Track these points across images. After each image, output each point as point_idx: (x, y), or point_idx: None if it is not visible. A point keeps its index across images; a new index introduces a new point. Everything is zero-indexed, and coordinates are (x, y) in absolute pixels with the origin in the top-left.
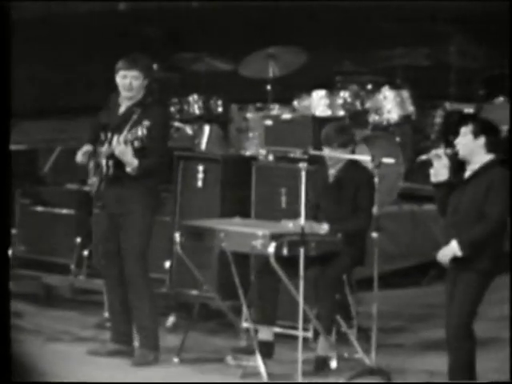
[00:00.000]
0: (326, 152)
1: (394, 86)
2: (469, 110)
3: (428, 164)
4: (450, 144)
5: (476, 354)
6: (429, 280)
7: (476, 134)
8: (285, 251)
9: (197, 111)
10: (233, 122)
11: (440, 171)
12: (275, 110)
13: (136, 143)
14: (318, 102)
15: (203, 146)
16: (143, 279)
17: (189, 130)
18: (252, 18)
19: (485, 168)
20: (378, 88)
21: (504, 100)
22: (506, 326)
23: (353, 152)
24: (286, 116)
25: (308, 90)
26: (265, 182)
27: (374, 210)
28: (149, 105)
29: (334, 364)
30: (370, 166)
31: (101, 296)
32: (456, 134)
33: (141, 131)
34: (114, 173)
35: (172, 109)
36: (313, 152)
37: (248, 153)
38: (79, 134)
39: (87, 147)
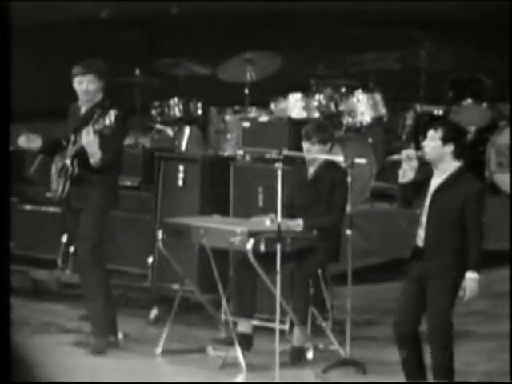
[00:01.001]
0: (305, 147)
1: (367, 90)
2: (438, 111)
3: (398, 164)
4: (419, 145)
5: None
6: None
7: (445, 141)
8: (262, 247)
9: (177, 114)
10: (212, 124)
11: (407, 172)
12: (252, 112)
13: (106, 130)
14: (294, 105)
15: (183, 146)
16: (93, 271)
17: (169, 132)
18: (229, 24)
19: (455, 177)
20: (351, 91)
21: (472, 102)
22: (476, 321)
23: (330, 150)
24: (263, 118)
25: (284, 93)
26: (242, 181)
27: (348, 208)
28: (108, 106)
29: (310, 355)
30: (343, 165)
31: None
32: (426, 134)
33: (108, 120)
34: (78, 172)
35: (153, 112)
36: (287, 153)
37: (226, 153)
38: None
39: (35, 136)
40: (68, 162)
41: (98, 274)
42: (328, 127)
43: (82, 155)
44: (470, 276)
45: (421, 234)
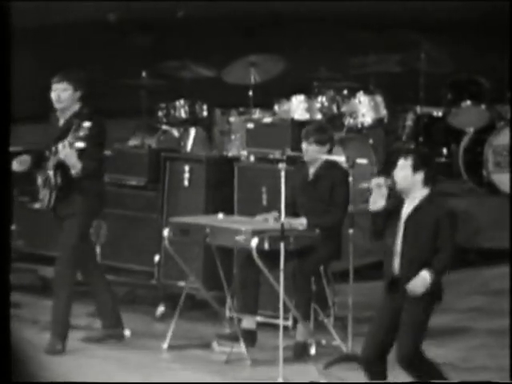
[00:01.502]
0: (304, 148)
1: (368, 92)
2: (438, 113)
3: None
4: (419, 145)
5: (445, 344)
6: None
7: (416, 169)
8: (266, 246)
9: (183, 115)
10: (216, 125)
11: (378, 200)
12: (256, 113)
13: (79, 143)
14: (297, 107)
15: (189, 147)
16: (66, 278)
17: (175, 133)
18: (234, 28)
19: (425, 204)
20: (353, 93)
21: (470, 104)
22: (474, 318)
23: (330, 151)
24: (267, 119)
25: (287, 95)
26: (246, 181)
27: (350, 207)
28: (86, 115)
29: (312, 350)
30: (344, 166)
31: None
32: (425, 135)
33: (83, 133)
34: (61, 181)
35: (159, 113)
36: (290, 153)
37: (231, 154)
38: None
39: (25, 157)
40: (51, 173)
41: (67, 283)
42: (327, 129)
43: (63, 166)
44: (424, 273)
45: (395, 263)
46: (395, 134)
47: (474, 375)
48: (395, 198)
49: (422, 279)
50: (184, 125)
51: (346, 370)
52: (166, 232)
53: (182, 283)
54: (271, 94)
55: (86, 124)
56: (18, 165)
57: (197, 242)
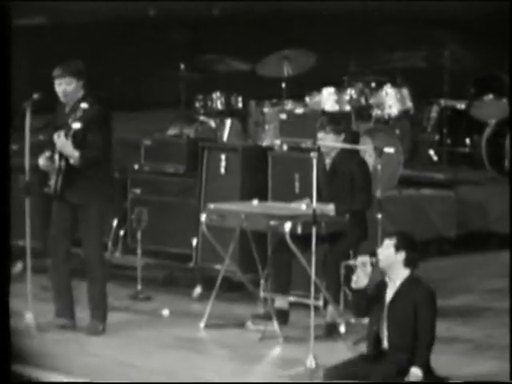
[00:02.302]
0: (320, 136)
1: (395, 85)
2: (461, 105)
3: (422, 154)
4: (443, 137)
5: (470, 323)
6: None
7: (398, 248)
8: (299, 230)
9: (219, 107)
10: (251, 116)
11: (361, 278)
12: (289, 105)
13: (75, 124)
14: (328, 98)
15: (225, 137)
16: (99, 262)
17: (212, 124)
18: (268, 24)
19: (406, 286)
20: (380, 86)
21: (492, 97)
22: (496, 298)
23: (347, 141)
24: (299, 111)
25: (318, 87)
26: (280, 169)
27: (378, 193)
28: (89, 102)
29: (342, 329)
30: (372, 155)
31: (134, 271)
32: (449, 127)
33: (79, 113)
34: (66, 166)
35: (197, 104)
36: (321, 143)
37: (265, 143)
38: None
39: (47, 153)
40: (56, 157)
41: (102, 269)
42: (342, 120)
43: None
44: (415, 371)
45: (384, 343)
46: (420, 126)
47: (497, 352)
48: (378, 284)
49: (414, 377)
50: (220, 116)
51: None
52: (203, 217)
53: (218, 266)
54: (303, 86)
55: (83, 105)
56: (43, 161)
57: (233, 227)
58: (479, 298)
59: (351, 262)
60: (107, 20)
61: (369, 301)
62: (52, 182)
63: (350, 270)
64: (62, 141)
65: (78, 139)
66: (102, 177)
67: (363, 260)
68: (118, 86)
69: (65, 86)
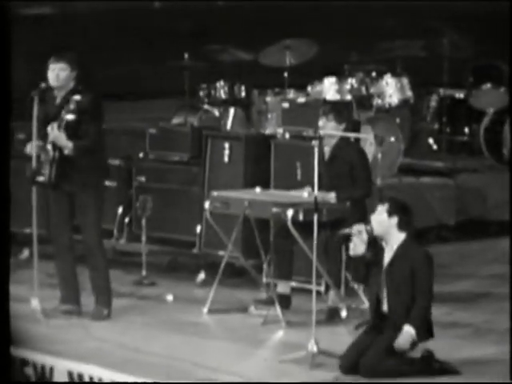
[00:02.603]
0: (321, 124)
1: (395, 74)
2: (460, 95)
3: (422, 143)
4: (442, 126)
5: (469, 308)
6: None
7: (390, 213)
8: (300, 217)
9: (223, 96)
10: (254, 105)
11: (358, 246)
12: (291, 94)
13: (69, 116)
14: (329, 88)
15: (228, 126)
16: (99, 248)
17: (216, 112)
18: (271, 15)
19: (402, 250)
20: (380, 75)
21: (490, 87)
22: (495, 284)
23: (347, 130)
24: (301, 100)
25: (320, 77)
26: (282, 157)
27: (378, 181)
28: (81, 92)
29: (343, 314)
30: (373, 143)
31: (139, 257)
32: (448, 116)
33: (72, 105)
34: (59, 156)
35: (201, 93)
36: (323, 131)
37: (267, 132)
38: (120, 116)
39: (37, 142)
40: (49, 147)
41: (103, 253)
42: (344, 108)
43: None
44: (407, 329)
45: (384, 307)
46: (420, 115)
47: (496, 336)
48: (377, 248)
49: (407, 335)
50: (224, 105)
51: None
52: (207, 204)
53: (221, 252)
54: (305, 75)
55: (76, 97)
56: (31, 148)
57: (236, 214)
58: (479, 283)
59: (347, 231)
60: (113, 10)
61: (367, 266)
62: (46, 172)
63: (347, 240)
64: (55, 133)
65: (70, 130)
66: (96, 165)
67: (359, 228)
68: (123, 75)
69: (58, 72)
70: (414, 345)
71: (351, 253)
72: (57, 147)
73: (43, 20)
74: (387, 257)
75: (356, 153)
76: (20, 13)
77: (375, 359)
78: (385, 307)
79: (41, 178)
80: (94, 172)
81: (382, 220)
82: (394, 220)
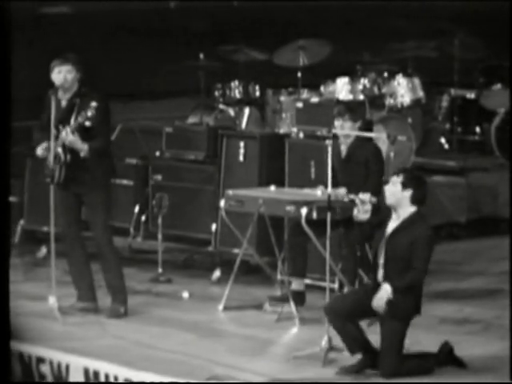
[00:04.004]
0: (338, 124)
1: (407, 74)
2: (470, 95)
3: (434, 142)
4: (454, 126)
5: (480, 304)
6: None
7: (405, 186)
8: (314, 215)
9: (237, 95)
10: (268, 104)
11: (361, 213)
12: (305, 94)
13: (87, 123)
14: (342, 88)
15: (243, 125)
16: (110, 246)
17: (231, 112)
18: (284, 15)
19: (409, 222)
20: (392, 76)
21: (501, 87)
22: (505, 280)
23: (361, 129)
24: (314, 99)
25: (333, 77)
26: (296, 156)
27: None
28: (86, 94)
29: None
30: (385, 142)
31: (155, 255)
32: (460, 116)
33: (90, 112)
34: (71, 158)
35: (216, 93)
36: (336, 131)
37: (282, 131)
38: (136, 115)
39: (45, 144)
40: (60, 150)
41: (114, 251)
42: (357, 107)
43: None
44: (384, 286)
45: (379, 273)
46: (432, 114)
47: (507, 332)
48: (386, 210)
49: (384, 291)
50: (239, 104)
51: None
52: (222, 203)
53: (236, 250)
54: (318, 75)
55: (93, 104)
56: (42, 151)
57: (251, 212)
58: (490, 280)
59: (351, 196)
60: (128, 10)
61: (372, 228)
62: (56, 174)
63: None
64: (70, 138)
65: (83, 133)
66: (104, 165)
67: (362, 198)
68: (139, 75)
69: (65, 74)
70: (394, 308)
71: (355, 218)
72: (67, 150)
73: (59, 18)
74: (392, 226)
75: (372, 151)
76: (38, 11)
77: (394, 362)
78: (380, 274)
79: (48, 180)
80: (102, 172)
81: (396, 191)
82: (408, 193)
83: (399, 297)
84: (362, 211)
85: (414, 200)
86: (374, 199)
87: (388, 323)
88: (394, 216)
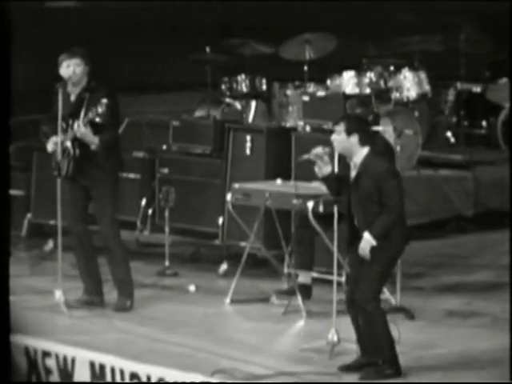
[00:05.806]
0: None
1: (413, 68)
2: (476, 89)
3: (440, 136)
4: (460, 120)
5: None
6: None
7: (349, 132)
8: (321, 209)
9: (244, 89)
10: (275, 98)
11: (323, 168)
12: (311, 87)
13: (98, 119)
14: (348, 82)
15: (250, 118)
16: (116, 240)
17: (238, 106)
18: (291, 9)
19: (365, 164)
20: (398, 69)
21: (506, 81)
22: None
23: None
24: (321, 93)
25: (339, 70)
26: (302, 149)
27: None
28: (95, 88)
29: None
30: (392, 136)
31: (162, 248)
32: (466, 109)
33: (101, 109)
34: (80, 152)
35: (223, 87)
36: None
37: (288, 125)
38: (143, 109)
39: (55, 138)
40: (69, 144)
41: (120, 244)
42: (369, 102)
43: (80, 139)
44: (366, 235)
45: (355, 222)
46: (438, 108)
47: None
48: (344, 165)
49: (366, 240)
50: (245, 98)
51: (394, 320)
52: (229, 196)
53: (243, 243)
54: (324, 69)
55: (104, 100)
56: (53, 146)
57: (257, 206)
58: (497, 273)
59: (305, 157)
60: (136, 4)
61: (338, 180)
62: (64, 168)
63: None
64: (81, 130)
65: (92, 127)
66: (111, 158)
67: (316, 152)
68: (146, 69)
69: (74, 67)
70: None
71: (319, 175)
72: (76, 143)
73: (66, 13)
74: (353, 173)
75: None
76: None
77: (372, 291)
78: (356, 221)
79: (55, 173)
80: (111, 166)
81: (342, 140)
82: (354, 138)
83: (384, 240)
84: (323, 165)
85: (363, 142)
86: (327, 149)
87: (377, 262)
88: (351, 165)
